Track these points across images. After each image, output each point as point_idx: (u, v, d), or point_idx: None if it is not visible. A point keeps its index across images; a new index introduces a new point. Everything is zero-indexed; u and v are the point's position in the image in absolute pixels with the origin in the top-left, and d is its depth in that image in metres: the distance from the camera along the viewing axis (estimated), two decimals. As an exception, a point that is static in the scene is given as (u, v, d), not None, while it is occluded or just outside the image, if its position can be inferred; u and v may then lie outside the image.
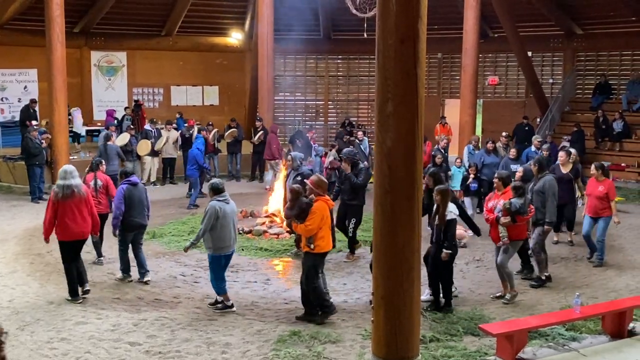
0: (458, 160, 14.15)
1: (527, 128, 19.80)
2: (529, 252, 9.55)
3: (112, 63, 22.38)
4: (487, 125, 22.89)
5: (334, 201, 10.86)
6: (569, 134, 18.46)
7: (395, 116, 5.28)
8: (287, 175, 10.89)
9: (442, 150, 14.61)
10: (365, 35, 15.49)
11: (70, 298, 8.45)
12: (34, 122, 16.89)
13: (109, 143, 14.70)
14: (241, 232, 11.75)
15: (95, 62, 22.08)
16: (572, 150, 12.19)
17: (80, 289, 8.54)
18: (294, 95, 24.64)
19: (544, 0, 20.36)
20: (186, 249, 8.65)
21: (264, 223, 12.26)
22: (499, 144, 14.74)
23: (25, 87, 20.56)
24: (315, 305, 7.88)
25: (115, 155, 14.71)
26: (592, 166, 10.45)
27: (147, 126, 17.93)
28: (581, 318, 7.26)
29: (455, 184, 13.16)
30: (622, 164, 18.48)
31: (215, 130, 17.99)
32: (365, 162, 11.34)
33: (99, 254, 10.23)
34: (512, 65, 22.80)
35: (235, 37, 23.21)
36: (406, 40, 5.17)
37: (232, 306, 8.18)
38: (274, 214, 12.63)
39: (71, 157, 16.17)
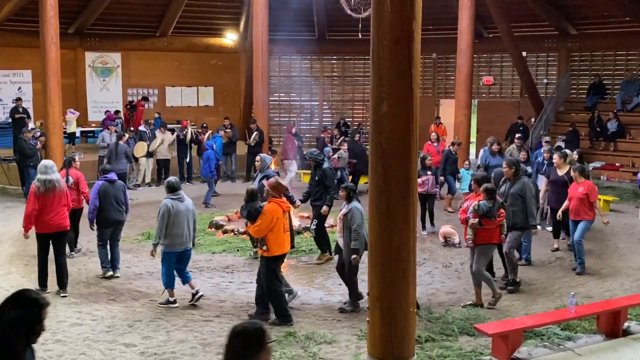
0: (466, 163, 13.96)
1: (521, 128, 19.84)
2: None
3: (106, 64, 22.34)
4: (482, 126, 22.95)
5: (303, 202, 10.91)
6: (563, 134, 18.51)
7: (390, 116, 5.28)
8: (255, 177, 10.84)
9: (454, 153, 14.37)
10: (360, 35, 15.50)
11: (39, 288, 8.64)
12: (30, 125, 16.82)
13: (120, 142, 15.32)
14: (236, 233, 11.74)
15: (89, 63, 22.05)
16: (568, 152, 12.03)
17: (59, 289, 8.75)
18: (288, 96, 24.65)
19: (539, 0, 20.41)
20: (152, 253, 8.62)
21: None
22: (512, 146, 14.33)
23: (20, 88, 20.51)
24: (275, 310, 7.85)
25: (124, 154, 15.23)
26: (571, 168, 10.30)
27: (141, 127, 17.90)
28: (576, 317, 7.27)
29: (464, 187, 12.97)
30: (617, 164, 18.56)
31: (209, 132, 17.97)
32: (327, 163, 11.05)
33: (71, 249, 10.41)
34: (506, 65, 22.86)
35: (230, 38, 23.21)
36: (401, 41, 5.17)
37: (175, 302, 8.34)
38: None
39: (68, 153, 16.12)
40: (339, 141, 19.76)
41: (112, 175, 9.68)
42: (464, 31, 17.21)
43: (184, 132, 17.66)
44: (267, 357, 3.24)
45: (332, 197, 10.59)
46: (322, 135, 18.88)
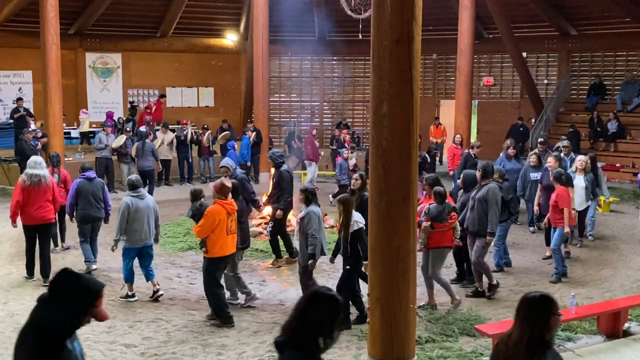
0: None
1: (522, 129, 19.87)
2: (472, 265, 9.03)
3: (107, 64, 22.36)
4: (482, 126, 22.95)
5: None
6: (564, 134, 18.51)
7: (391, 117, 5.28)
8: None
9: (474, 156, 13.92)
10: (360, 36, 15.54)
11: (27, 276, 9.30)
12: (32, 126, 16.81)
13: (146, 141, 15.73)
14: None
15: (90, 64, 22.07)
16: (582, 157, 11.73)
17: (42, 278, 9.18)
18: (289, 97, 24.66)
19: (539, 1, 20.42)
20: (113, 248, 8.88)
21: (259, 225, 12.23)
22: (556, 154, 12.55)
23: (20, 89, 20.52)
24: (215, 311, 7.83)
25: (150, 153, 15.52)
26: (554, 174, 10.05)
27: (142, 128, 17.91)
28: (576, 318, 7.27)
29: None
30: (617, 164, 18.56)
31: (209, 132, 17.99)
32: (287, 165, 10.97)
33: (55, 244, 10.73)
34: (507, 66, 22.86)
35: (230, 39, 23.21)
36: (401, 41, 5.18)
37: (133, 296, 8.62)
38: (270, 216, 12.59)
39: (67, 159, 16.15)
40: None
41: (90, 173, 9.97)
42: (464, 32, 17.22)
43: (184, 132, 17.68)
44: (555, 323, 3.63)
45: (285, 200, 10.40)
46: (339, 135, 18.73)
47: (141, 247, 8.63)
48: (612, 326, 7.29)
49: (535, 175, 11.72)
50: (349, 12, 14.07)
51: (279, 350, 3.20)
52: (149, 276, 8.75)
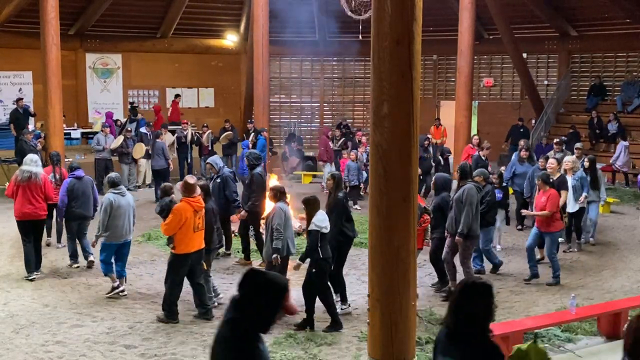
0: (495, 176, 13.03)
1: (522, 130, 19.84)
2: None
3: (107, 65, 22.36)
4: (482, 127, 22.93)
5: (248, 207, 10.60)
6: (564, 135, 18.50)
7: (391, 118, 5.27)
8: (211, 179, 10.84)
9: (484, 158, 13.72)
10: (360, 37, 15.53)
11: (27, 274, 9.50)
12: (30, 127, 16.81)
13: (157, 140, 15.85)
14: (236, 234, 11.71)
15: (90, 64, 22.07)
16: (571, 158, 11.67)
17: (35, 272, 9.55)
18: (289, 97, 24.65)
19: (539, 2, 20.42)
20: (93, 243, 9.28)
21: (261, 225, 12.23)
22: (557, 156, 12.42)
23: (20, 90, 20.52)
24: (164, 304, 7.94)
25: (162, 152, 15.61)
26: (539, 177, 9.98)
27: (143, 129, 17.91)
28: (577, 319, 7.27)
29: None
30: (617, 165, 18.51)
31: (209, 132, 17.98)
32: (261, 167, 10.93)
33: (58, 240, 11.26)
34: (507, 66, 22.86)
35: (230, 39, 23.21)
36: (401, 42, 5.17)
37: (119, 286, 8.78)
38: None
39: (67, 159, 16.14)
40: (339, 142, 19.77)
41: (79, 172, 10.17)
42: (464, 32, 17.20)
43: (184, 132, 17.68)
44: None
45: (253, 203, 10.35)
46: (356, 138, 18.56)
47: (121, 243, 8.86)
48: (612, 327, 7.29)
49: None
50: (349, 13, 14.06)
51: (452, 342, 3.47)
52: (121, 274, 8.96)
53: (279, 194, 8.18)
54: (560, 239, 11.10)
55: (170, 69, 22.80)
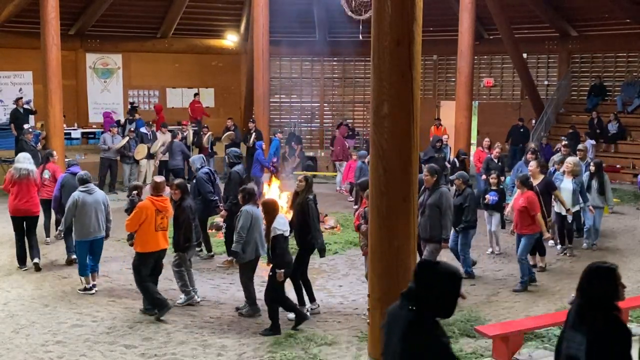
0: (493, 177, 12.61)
1: (522, 130, 19.86)
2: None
3: (107, 65, 22.36)
4: (482, 127, 22.94)
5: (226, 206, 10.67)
6: (564, 135, 18.51)
7: (391, 118, 5.28)
8: (192, 179, 10.95)
9: (496, 160, 13.60)
10: (360, 37, 15.54)
11: (18, 265, 9.90)
12: (25, 126, 16.76)
13: (175, 140, 16.21)
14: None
15: (90, 65, 22.07)
16: (573, 160, 11.26)
17: (31, 260, 9.91)
18: (289, 97, 24.65)
19: (539, 2, 20.42)
20: (57, 237, 9.75)
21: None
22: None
23: (20, 90, 20.51)
24: (147, 300, 8.07)
25: (179, 151, 15.95)
26: (517, 178, 9.72)
27: (143, 129, 17.90)
28: (577, 319, 7.26)
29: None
30: (617, 166, 18.55)
31: (210, 133, 17.98)
32: (240, 166, 11.03)
33: (47, 234, 11.40)
34: (507, 67, 22.86)
35: (230, 39, 23.20)
36: (401, 43, 5.18)
37: (92, 287, 8.92)
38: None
39: (67, 159, 16.13)
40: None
41: (74, 169, 10.27)
42: (464, 33, 17.22)
43: (185, 133, 17.68)
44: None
45: (230, 201, 10.35)
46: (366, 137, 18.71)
47: (92, 240, 8.97)
48: (612, 327, 7.28)
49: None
50: (350, 13, 14.04)
51: (580, 319, 3.81)
52: (94, 269, 9.10)
53: (247, 196, 8.16)
54: (550, 242, 11.07)
55: (171, 69, 22.80)
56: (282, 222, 7.65)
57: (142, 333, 7.50)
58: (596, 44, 21.43)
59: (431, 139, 16.44)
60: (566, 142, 13.58)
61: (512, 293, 9.09)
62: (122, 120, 20.25)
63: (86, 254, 8.97)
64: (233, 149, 12.09)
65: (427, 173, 8.50)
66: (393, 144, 5.31)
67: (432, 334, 3.39)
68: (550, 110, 20.99)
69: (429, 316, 3.42)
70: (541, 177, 10.34)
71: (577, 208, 11.01)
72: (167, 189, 8.67)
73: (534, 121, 20.81)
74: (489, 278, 9.69)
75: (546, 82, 22.56)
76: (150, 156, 17.20)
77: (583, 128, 19.75)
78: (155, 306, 7.97)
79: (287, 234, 7.65)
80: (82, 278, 8.95)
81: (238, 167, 10.81)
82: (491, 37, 22.40)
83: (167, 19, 21.97)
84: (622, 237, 12.41)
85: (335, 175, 19.12)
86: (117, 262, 10.28)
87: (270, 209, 7.68)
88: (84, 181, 9.09)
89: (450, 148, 17.27)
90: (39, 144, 15.19)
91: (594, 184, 11.32)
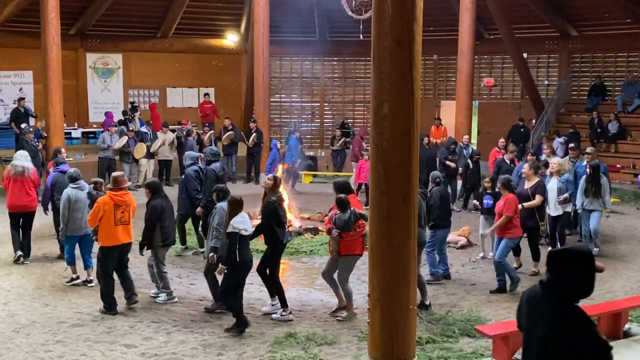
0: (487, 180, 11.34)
1: (522, 130, 19.85)
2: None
3: (107, 65, 22.36)
4: (482, 127, 22.94)
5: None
6: (564, 135, 18.52)
7: (391, 118, 5.28)
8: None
9: (508, 162, 13.32)
10: (361, 37, 15.51)
11: (14, 252, 10.24)
12: (22, 126, 16.74)
13: (189, 138, 16.66)
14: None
15: (90, 64, 22.06)
16: (556, 159, 11.06)
17: (22, 257, 10.22)
18: (289, 97, 24.66)
19: (539, 1, 20.41)
20: (59, 238, 9.89)
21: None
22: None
23: (21, 89, 20.52)
24: (101, 295, 8.21)
25: (191, 149, 15.64)
26: (500, 181, 9.54)
27: (143, 128, 17.91)
28: (577, 319, 7.26)
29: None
30: (617, 165, 18.54)
31: (211, 132, 17.99)
32: (217, 164, 11.02)
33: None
34: (507, 66, 22.85)
35: (231, 39, 23.21)
36: (402, 42, 5.18)
37: (78, 278, 9.20)
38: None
39: (68, 159, 16.15)
40: (340, 142, 19.78)
41: (64, 167, 10.50)
42: (464, 32, 17.22)
43: (184, 132, 17.70)
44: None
45: (205, 199, 10.38)
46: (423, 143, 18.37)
47: (82, 235, 9.27)
48: (612, 327, 7.29)
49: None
50: (350, 13, 14.05)
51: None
52: (86, 265, 9.33)
53: (221, 194, 8.26)
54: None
55: (171, 68, 22.80)
56: (241, 221, 7.64)
57: (143, 333, 7.51)
58: (596, 43, 21.43)
59: (446, 140, 16.25)
60: (573, 145, 13.13)
61: (512, 293, 9.09)
62: (127, 113, 20.24)
63: (74, 247, 9.31)
64: (210, 147, 12.29)
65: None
66: (393, 144, 5.30)
67: (581, 319, 3.59)
68: (551, 110, 20.98)
69: (573, 300, 3.60)
70: (535, 179, 10.13)
71: (568, 209, 10.76)
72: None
73: (534, 121, 20.81)
74: (489, 278, 9.68)
75: (546, 82, 22.55)
76: (150, 155, 17.21)
77: (583, 128, 19.76)
78: (104, 302, 8.16)
79: (244, 232, 7.59)
80: (70, 267, 9.31)
81: (215, 165, 10.90)
82: (491, 36, 22.40)
83: (168, 18, 21.97)
84: (622, 236, 12.41)
85: (336, 175, 19.14)
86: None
87: (233, 206, 7.72)
88: (74, 179, 9.40)
89: (472, 148, 16.84)
90: (40, 143, 15.18)
91: (590, 187, 10.92)
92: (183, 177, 10.96)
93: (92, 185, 9.45)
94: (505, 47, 20.88)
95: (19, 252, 10.22)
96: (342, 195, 8.16)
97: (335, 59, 24.43)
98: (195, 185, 10.61)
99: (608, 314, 7.30)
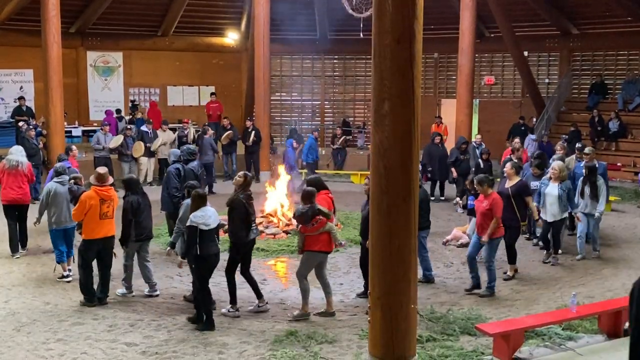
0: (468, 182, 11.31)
1: (523, 128, 19.84)
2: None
3: (108, 63, 22.35)
4: (483, 125, 22.92)
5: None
6: (565, 133, 18.51)
7: (392, 116, 5.27)
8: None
9: (517, 162, 13.17)
10: (361, 35, 15.48)
11: (11, 254, 10.52)
12: (20, 123, 16.74)
13: (205, 136, 16.77)
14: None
15: (91, 63, 22.06)
16: (558, 162, 10.69)
17: (20, 248, 10.62)
18: (290, 95, 24.65)
19: (540, 0, 20.39)
20: (34, 223, 10.02)
21: (260, 223, 12.24)
22: (572, 157, 12.15)
23: (21, 88, 20.52)
24: (80, 286, 8.46)
25: (209, 147, 16.65)
26: (475, 179, 9.37)
27: (143, 127, 17.91)
28: (577, 317, 7.27)
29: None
30: (618, 164, 18.54)
31: (211, 132, 17.98)
32: (195, 163, 11.18)
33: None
34: (508, 65, 22.83)
35: (231, 37, 23.20)
36: (402, 41, 5.17)
37: (68, 276, 9.30)
38: (270, 214, 12.62)
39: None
40: (340, 140, 19.80)
41: (66, 163, 10.69)
42: (465, 31, 17.20)
43: (185, 131, 17.70)
44: None
45: (182, 195, 10.35)
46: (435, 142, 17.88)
47: (63, 229, 9.48)
48: (613, 325, 7.29)
49: (535, 184, 10.64)
50: (350, 11, 14.05)
51: None
52: (69, 254, 9.60)
53: (191, 190, 8.36)
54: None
55: (172, 67, 22.79)
56: (200, 215, 7.69)
57: (143, 331, 7.51)
58: (597, 41, 21.41)
59: (457, 140, 16.04)
60: (579, 146, 12.64)
61: (513, 291, 9.10)
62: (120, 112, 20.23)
63: (61, 242, 9.48)
64: (187, 145, 12.52)
65: (366, 183, 8.33)
66: (394, 142, 5.30)
67: None
68: (551, 109, 20.97)
69: None
70: (517, 179, 9.86)
71: (565, 215, 10.38)
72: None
73: (534, 119, 20.80)
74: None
75: (547, 80, 22.53)
76: (150, 154, 17.20)
77: (584, 126, 19.75)
78: (83, 293, 8.38)
79: (204, 227, 7.63)
80: (59, 265, 9.46)
81: (192, 164, 11.05)
82: (492, 35, 22.38)
83: (168, 17, 21.96)
84: (623, 234, 12.41)
85: (336, 173, 19.14)
86: (116, 262, 10.25)
87: (195, 200, 7.83)
88: (58, 173, 9.72)
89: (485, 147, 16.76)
90: (40, 142, 15.18)
91: (587, 189, 10.60)
92: (165, 175, 11.07)
93: (72, 181, 9.66)
94: (505, 45, 20.87)
95: (17, 255, 10.51)
96: (309, 188, 8.22)
97: (336, 57, 24.41)
98: (176, 184, 10.65)
99: (609, 312, 7.30)
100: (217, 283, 8.66)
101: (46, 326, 7.62)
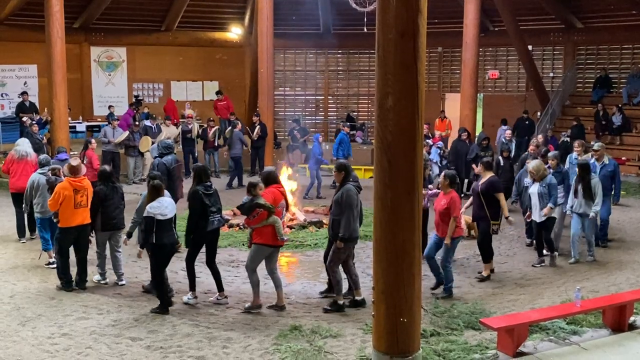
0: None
1: (527, 122, 19.80)
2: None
3: (112, 58, 22.38)
4: (487, 120, 22.89)
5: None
6: (569, 127, 18.47)
7: (396, 110, 5.27)
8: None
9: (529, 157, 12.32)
10: (365, 29, 15.48)
11: (18, 238, 11.18)
12: (24, 119, 16.75)
13: (235, 130, 17.12)
14: (242, 227, 11.74)
15: (95, 58, 22.10)
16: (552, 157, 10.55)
17: (28, 233, 11.19)
18: (294, 90, 24.64)
19: (544, -7, 20.34)
20: (24, 211, 10.55)
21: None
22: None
23: (25, 83, 20.57)
24: (57, 272, 8.84)
25: (239, 140, 17.05)
26: (443, 173, 9.07)
27: (147, 122, 17.93)
28: (582, 312, 7.26)
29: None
30: (623, 158, 18.47)
31: (216, 127, 17.99)
32: (170, 157, 11.07)
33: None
34: (512, 59, 22.79)
35: (235, 32, 23.19)
36: (406, 35, 5.16)
37: (54, 262, 9.31)
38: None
39: (72, 152, 16.18)
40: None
41: (62, 155, 11.57)
42: (469, 25, 17.14)
43: (189, 126, 17.70)
44: None
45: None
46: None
47: (49, 218, 9.69)
48: (617, 320, 7.28)
49: (529, 181, 10.29)
50: (354, 5, 14.04)
51: None
52: (48, 247, 9.85)
53: (148, 182, 8.69)
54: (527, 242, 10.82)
55: (175, 62, 22.81)
56: (157, 206, 7.93)
57: (148, 326, 7.53)
58: (601, 35, 21.34)
59: (477, 135, 15.55)
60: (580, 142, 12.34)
61: (517, 285, 9.09)
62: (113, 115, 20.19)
63: (47, 231, 9.83)
64: (163, 140, 12.63)
65: (335, 169, 8.28)
66: (398, 137, 5.30)
67: None
68: (556, 103, 20.92)
69: None
70: (488, 175, 9.45)
71: (554, 214, 10.00)
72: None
73: (539, 113, 20.76)
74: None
75: (551, 74, 22.48)
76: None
77: (589, 120, 19.70)
78: (59, 279, 8.79)
79: (161, 217, 7.87)
80: (46, 252, 9.83)
81: (166, 158, 11.01)
82: (496, 29, 22.32)
83: (172, 12, 21.97)
84: (627, 229, 12.38)
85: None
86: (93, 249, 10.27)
87: (151, 191, 8.11)
88: (42, 165, 10.19)
89: (514, 144, 16.28)
90: (44, 137, 15.22)
91: (580, 188, 10.06)
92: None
93: (49, 172, 9.94)
94: (510, 39, 20.79)
95: (23, 240, 11.16)
96: (253, 181, 8.24)
97: (340, 51, 24.39)
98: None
99: (613, 307, 7.29)
100: (222, 277, 8.68)
101: (51, 321, 7.64)
